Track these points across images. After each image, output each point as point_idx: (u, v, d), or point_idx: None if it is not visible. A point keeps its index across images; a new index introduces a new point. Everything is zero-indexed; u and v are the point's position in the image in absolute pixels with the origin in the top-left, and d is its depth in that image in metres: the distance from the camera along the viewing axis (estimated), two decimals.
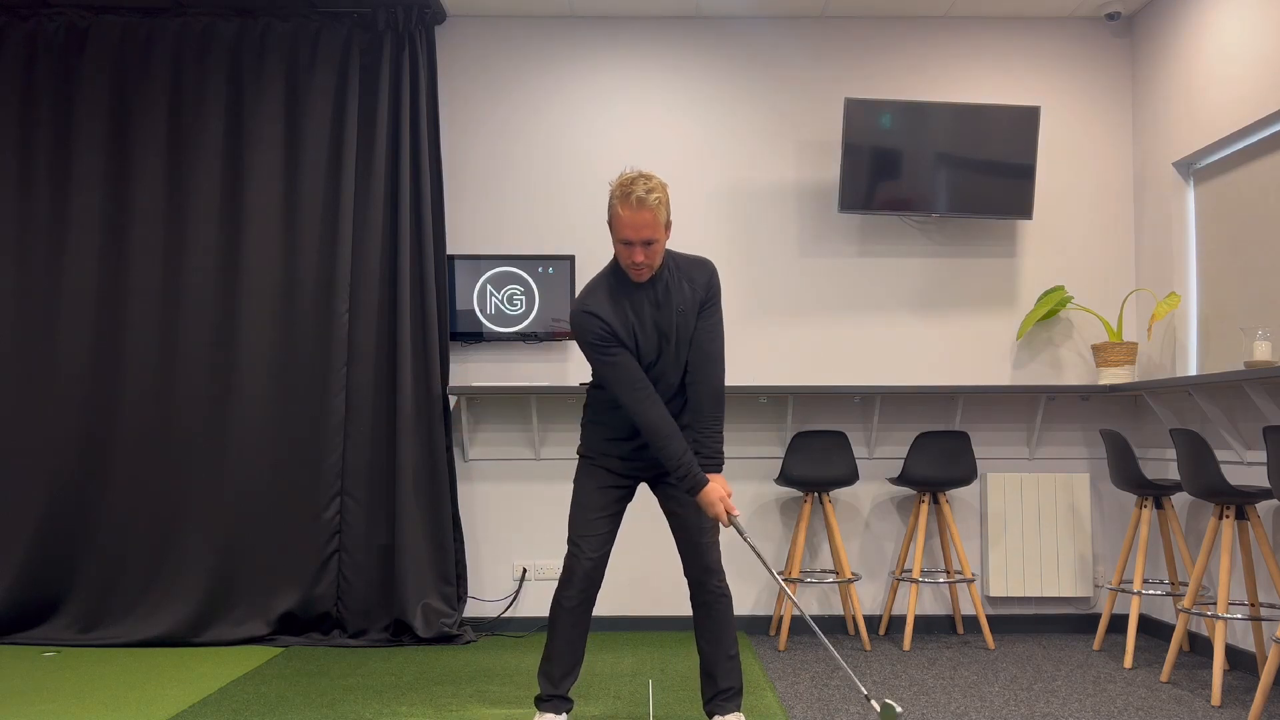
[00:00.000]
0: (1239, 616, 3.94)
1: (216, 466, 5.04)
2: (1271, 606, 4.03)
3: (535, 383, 5.31)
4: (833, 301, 5.40)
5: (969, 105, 5.17)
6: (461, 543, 5.14)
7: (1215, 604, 4.25)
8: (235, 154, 5.20)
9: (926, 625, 5.28)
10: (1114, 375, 5.10)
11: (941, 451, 4.90)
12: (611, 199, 3.08)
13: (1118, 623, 5.29)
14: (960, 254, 5.42)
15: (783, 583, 3.47)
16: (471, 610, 5.28)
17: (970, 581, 4.89)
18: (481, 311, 5.27)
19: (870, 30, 5.48)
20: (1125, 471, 4.53)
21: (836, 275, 5.40)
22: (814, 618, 5.29)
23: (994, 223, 5.42)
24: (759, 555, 3.25)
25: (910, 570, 5.25)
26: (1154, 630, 5.15)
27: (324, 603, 4.98)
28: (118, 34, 5.21)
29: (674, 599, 5.28)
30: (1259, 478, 4.33)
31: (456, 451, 5.31)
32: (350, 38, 5.22)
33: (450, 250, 5.34)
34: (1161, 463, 5.14)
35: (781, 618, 4.96)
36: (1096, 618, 5.29)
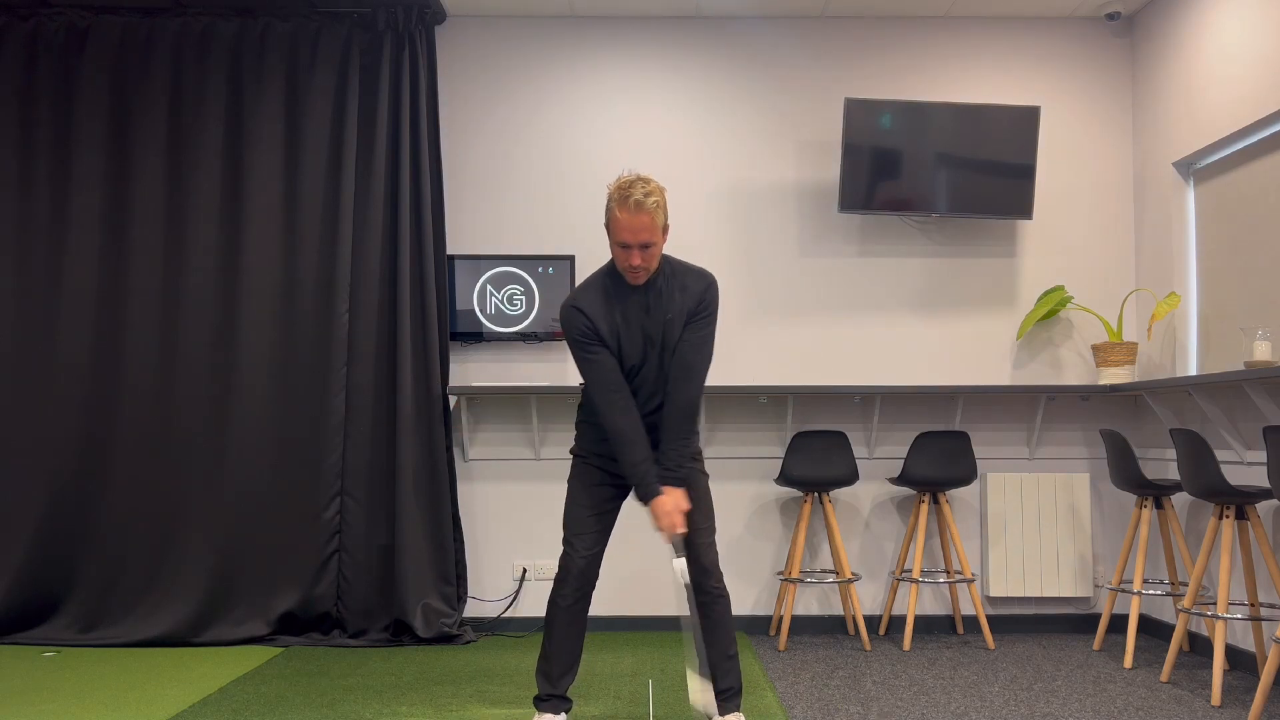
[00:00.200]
0: (1239, 616, 3.94)
1: (216, 466, 5.04)
2: (1271, 606, 4.03)
3: (535, 383, 5.31)
4: (833, 301, 5.40)
5: (969, 105, 5.17)
6: (461, 543, 5.14)
7: (1215, 604, 4.25)
8: (235, 154, 5.20)
9: (926, 625, 5.28)
10: (1114, 375, 5.10)
11: (941, 451, 4.90)
12: (609, 202, 3.09)
13: (1118, 623, 5.29)
14: (960, 254, 5.42)
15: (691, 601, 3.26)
16: (471, 610, 5.28)
17: (970, 581, 4.89)
18: (481, 311, 5.27)
19: (870, 30, 5.48)
20: (1125, 471, 4.53)
21: (836, 275, 5.40)
22: (814, 618, 5.29)
23: (994, 223, 5.42)
24: (683, 582, 3.17)
25: (910, 570, 5.25)
26: (1154, 630, 5.15)
27: (324, 603, 4.98)
28: (118, 34, 5.21)
29: (674, 600, 5.28)
30: (1259, 478, 4.33)
31: (456, 451, 5.31)
32: (350, 38, 5.22)
33: (450, 250, 5.34)
34: (1161, 463, 5.13)
35: (781, 618, 4.96)
36: (1096, 618, 5.29)
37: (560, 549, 3.49)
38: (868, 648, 4.83)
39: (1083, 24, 5.48)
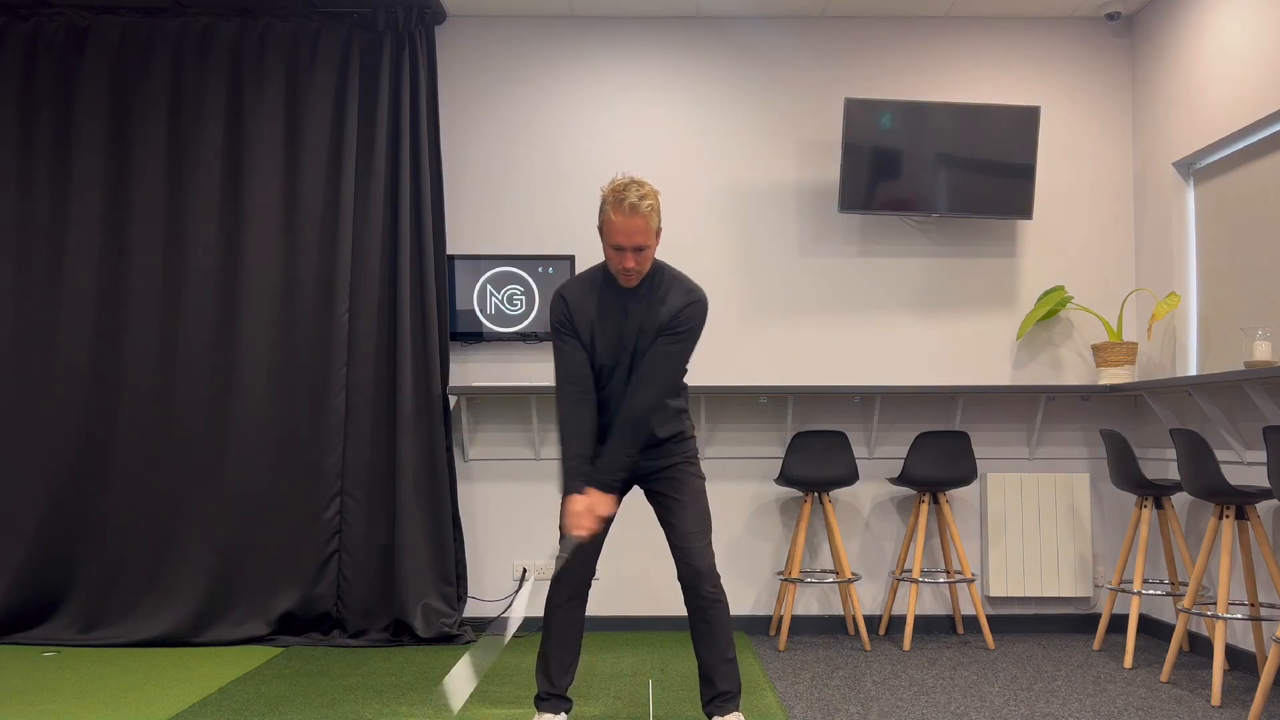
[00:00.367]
0: (1239, 616, 3.94)
1: (216, 466, 5.04)
2: (1271, 606, 4.03)
3: (535, 383, 5.31)
4: (833, 301, 5.40)
5: (969, 105, 5.17)
6: (461, 543, 5.14)
7: (1215, 604, 4.25)
8: (235, 154, 5.20)
9: (926, 625, 5.28)
10: (1114, 375, 5.10)
11: (941, 451, 4.90)
12: (604, 204, 3.11)
13: (1118, 623, 5.29)
14: (960, 254, 5.42)
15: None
16: (471, 610, 5.28)
17: (970, 581, 4.89)
18: (481, 311, 5.27)
19: (870, 30, 5.48)
20: (1125, 471, 4.53)
21: (836, 275, 5.40)
22: (814, 618, 5.29)
23: (994, 223, 5.42)
24: (529, 581, 3.12)
25: (910, 570, 5.25)
26: (1154, 630, 5.15)
27: (324, 603, 4.98)
28: (118, 34, 5.21)
29: (674, 599, 5.28)
30: (1259, 478, 4.33)
31: (456, 451, 5.31)
32: (350, 38, 5.22)
33: (450, 250, 5.34)
34: (1161, 463, 5.13)
35: (781, 618, 4.96)
36: (1096, 618, 5.29)
37: None
38: (868, 648, 4.83)
39: (1083, 24, 5.48)
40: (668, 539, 3.30)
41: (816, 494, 4.99)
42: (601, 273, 3.26)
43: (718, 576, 3.24)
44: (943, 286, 5.41)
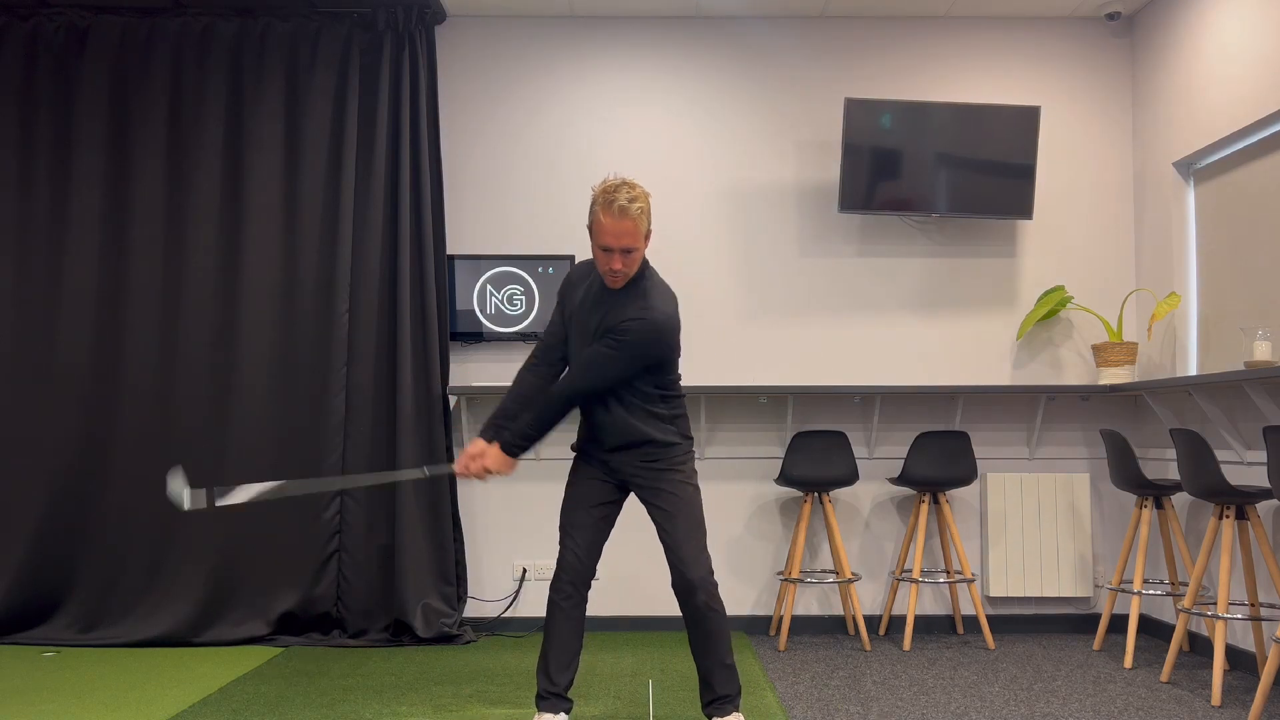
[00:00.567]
0: (1239, 616, 3.94)
1: (216, 466, 5.04)
2: (1271, 606, 4.03)
3: None
4: (833, 301, 5.40)
5: (969, 105, 5.17)
6: (461, 543, 5.14)
7: (1215, 604, 4.25)
8: (235, 154, 5.20)
9: (926, 625, 5.28)
10: (1114, 375, 5.10)
11: (941, 451, 4.90)
12: (594, 205, 3.12)
13: (1118, 623, 5.29)
14: (960, 254, 5.42)
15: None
16: (471, 610, 5.28)
17: (970, 581, 4.89)
18: (481, 311, 5.27)
19: (870, 30, 5.47)
20: (1125, 471, 4.53)
21: (836, 275, 5.40)
22: (814, 618, 5.29)
23: (994, 223, 5.42)
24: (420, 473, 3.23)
25: (910, 570, 5.25)
26: (1154, 630, 5.15)
27: (324, 603, 4.98)
28: (118, 34, 5.21)
29: (674, 599, 5.28)
30: (1259, 478, 4.33)
31: (456, 451, 5.30)
32: (350, 38, 5.22)
33: (450, 250, 5.34)
34: (1161, 463, 5.13)
35: (781, 618, 4.96)
36: (1096, 618, 5.29)
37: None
38: (868, 648, 4.83)
39: (1083, 24, 5.48)
40: (662, 547, 3.30)
41: (816, 494, 4.99)
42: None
43: (713, 585, 3.21)
44: (942, 286, 5.41)
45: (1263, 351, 4.14)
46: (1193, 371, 5.00)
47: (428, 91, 5.21)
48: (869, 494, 5.34)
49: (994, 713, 3.70)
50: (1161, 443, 5.13)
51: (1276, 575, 3.90)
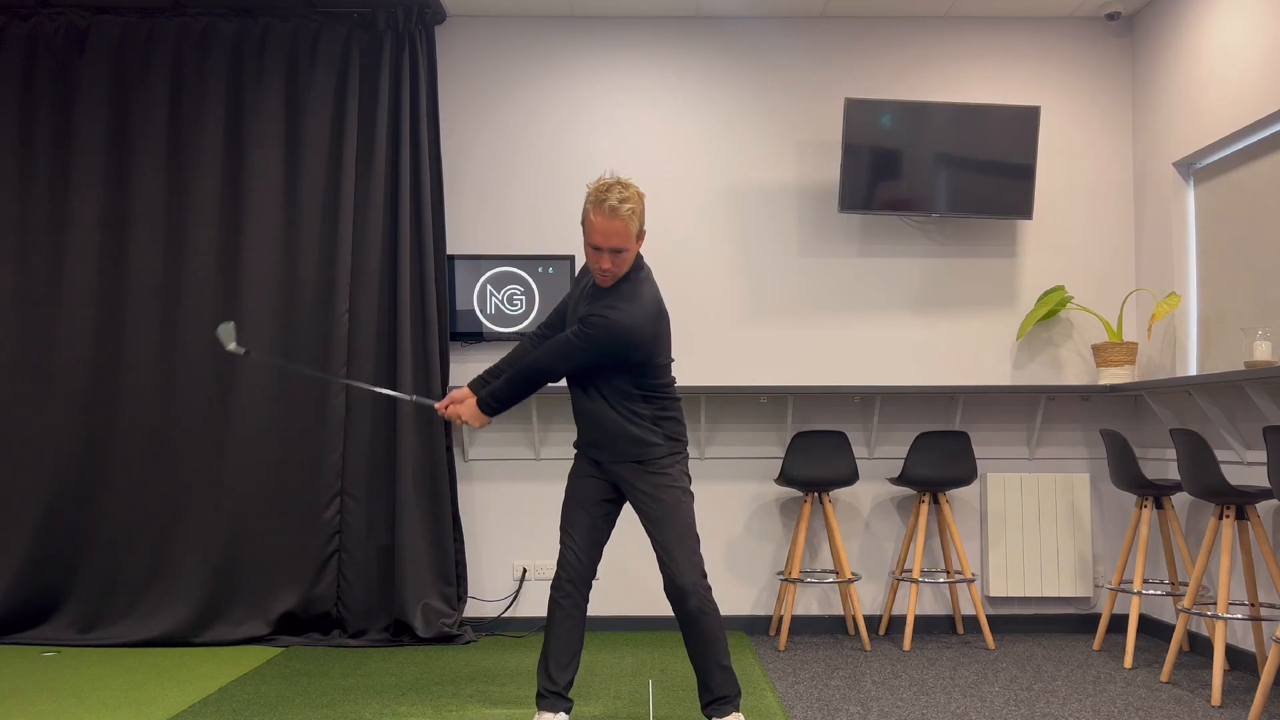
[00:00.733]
0: (1239, 616, 3.94)
1: (216, 466, 5.04)
2: (1271, 606, 4.03)
3: None
4: (833, 301, 5.40)
5: (969, 105, 5.17)
6: (461, 543, 5.14)
7: (1215, 604, 4.26)
8: (235, 154, 5.20)
9: (926, 625, 5.28)
10: (1114, 375, 5.10)
11: (941, 451, 4.90)
12: (586, 202, 3.14)
13: (1118, 623, 5.29)
14: (960, 254, 5.42)
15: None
16: (471, 610, 5.28)
17: (970, 581, 4.89)
18: (481, 311, 5.27)
19: (870, 30, 5.48)
20: (1125, 471, 4.53)
21: (837, 275, 5.40)
22: (814, 618, 5.29)
23: (994, 223, 5.42)
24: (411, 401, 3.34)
25: (910, 570, 5.25)
26: (1154, 630, 5.15)
27: (324, 603, 4.98)
28: (118, 34, 5.21)
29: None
30: (1259, 478, 4.33)
31: (456, 451, 5.31)
32: (350, 38, 5.22)
33: (450, 250, 5.34)
34: (1161, 463, 5.13)
35: (781, 618, 4.96)
36: (1096, 618, 5.29)
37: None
38: (868, 648, 4.83)
39: (1083, 24, 5.48)
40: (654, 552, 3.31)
41: (816, 494, 4.99)
42: None
43: (705, 588, 3.20)
44: (943, 286, 5.41)
45: (1263, 351, 4.14)
46: (1193, 371, 5.00)
47: (428, 91, 5.21)
48: (869, 494, 5.34)
49: (994, 713, 3.70)
50: (1161, 443, 5.13)
51: (1276, 575, 3.90)
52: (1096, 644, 4.85)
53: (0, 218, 5.14)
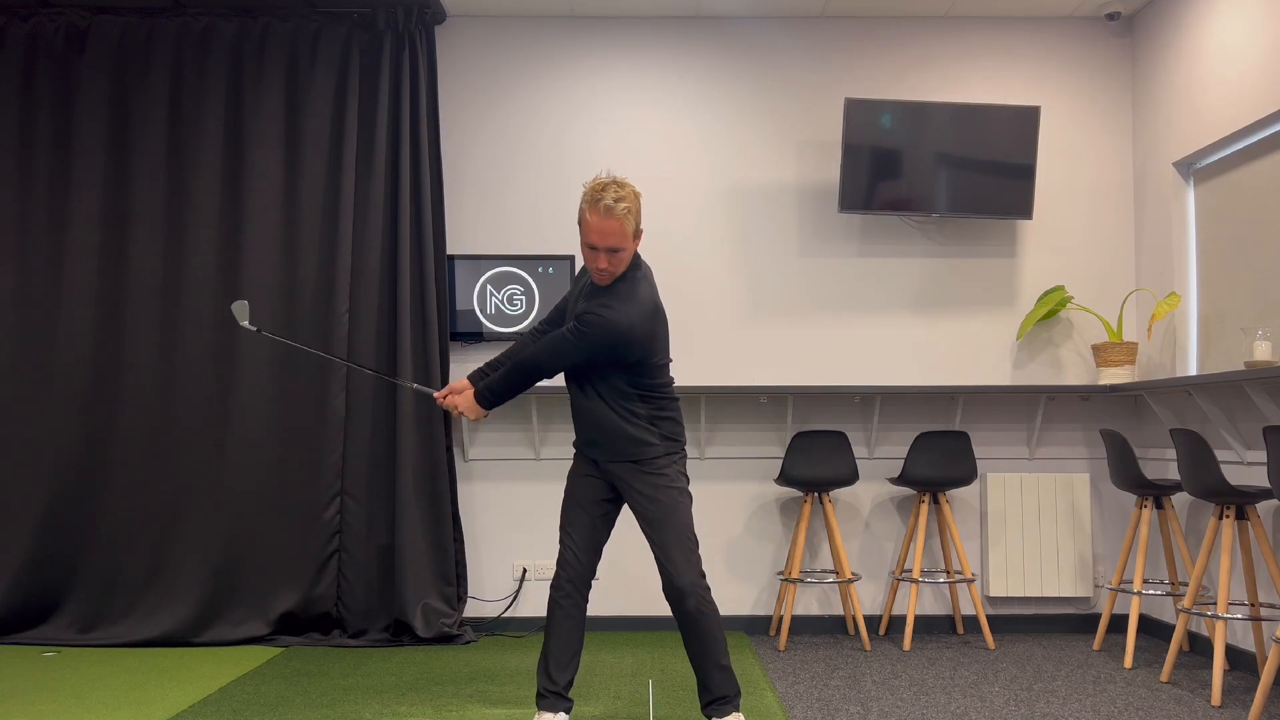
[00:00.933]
0: (1239, 616, 3.94)
1: (216, 466, 5.04)
2: (1271, 606, 4.03)
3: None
4: (833, 301, 5.40)
5: (969, 105, 5.17)
6: (461, 543, 5.14)
7: (1215, 604, 4.25)
8: (235, 154, 5.20)
9: (926, 625, 5.28)
10: (1114, 375, 5.10)
11: (941, 451, 4.90)
12: (582, 201, 3.15)
13: (1118, 623, 5.29)
14: (960, 254, 5.42)
15: None
16: (471, 610, 5.28)
17: (970, 581, 4.89)
18: (481, 311, 5.27)
19: (870, 30, 5.48)
20: (1125, 471, 4.53)
21: (836, 275, 5.40)
22: (814, 618, 5.29)
23: (994, 223, 5.42)
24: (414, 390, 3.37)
25: (910, 570, 5.25)
26: (1154, 630, 5.15)
27: (324, 603, 4.98)
28: (118, 34, 5.21)
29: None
30: (1259, 478, 4.33)
31: (456, 451, 5.31)
32: (350, 38, 5.22)
33: (450, 250, 5.34)
34: (1161, 463, 5.13)
35: (781, 618, 4.96)
36: (1096, 618, 5.29)
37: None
38: (868, 648, 4.83)
39: (1083, 24, 5.48)
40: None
41: (816, 494, 4.99)
42: None
43: (704, 589, 3.20)
44: (943, 287, 5.41)
45: (1263, 351, 4.14)
46: (1193, 371, 5.00)
47: (428, 91, 5.21)
48: (869, 494, 5.34)
49: (994, 713, 3.70)
50: (1161, 443, 5.13)
51: (1276, 575, 3.90)
52: (1096, 644, 4.85)
53: (0, 218, 5.14)
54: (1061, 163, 5.44)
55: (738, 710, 3.28)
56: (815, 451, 4.88)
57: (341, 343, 5.06)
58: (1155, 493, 4.51)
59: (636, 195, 3.14)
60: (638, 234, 3.18)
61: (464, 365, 5.33)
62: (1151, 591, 4.59)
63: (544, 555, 5.30)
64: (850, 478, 4.89)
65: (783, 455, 5.22)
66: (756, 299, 5.39)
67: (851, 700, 3.88)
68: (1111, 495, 5.36)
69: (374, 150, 5.15)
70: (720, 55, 5.47)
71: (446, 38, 5.45)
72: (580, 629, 3.33)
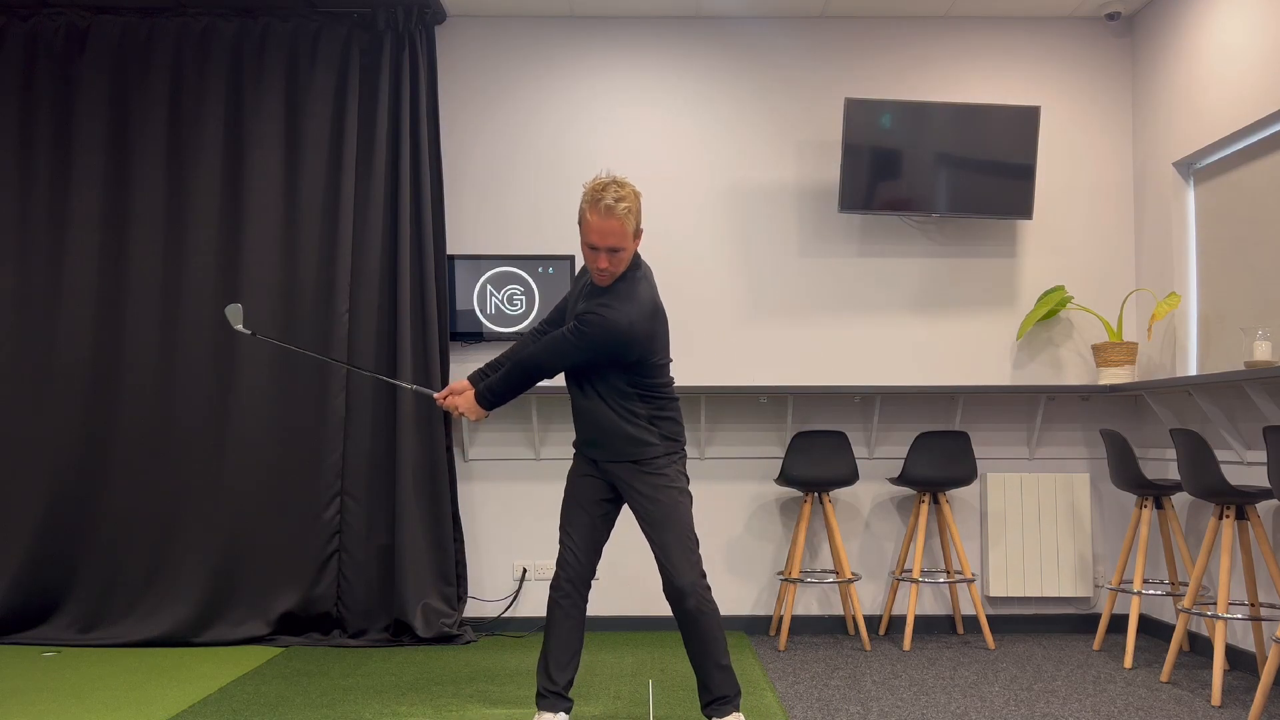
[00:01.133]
0: (1239, 616, 3.94)
1: (216, 466, 5.04)
2: (1271, 606, 4.03)
3: None
4: (833, 301, 5.40)
5: (969, 105, 5.17)
6: (461, 543, 5.14)
7: (1215, 604, 4.25)
8: (235, 154, 5.20)
9: (926, 625, 5.28)
10: (1114, 375, 5.10)
11: (941, 451, 4.90)
12: (582, 201, 3.15)
13: (1118, 623, 5.29)
14: (960, 254, 5.42)
15: None
16: (471, 610, 5.28)
17: (970, 581, 4.89)
18: (481, 311, 5.27)
19: (870, 30, 5.48)
20: (1125, 471, 4.53)
21: (836, 275, 5.40)
22: (814, 618, 5.29)
23: (994, 223, 5.42)
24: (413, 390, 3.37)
25: (910, 570, 5.25)
26: (1154, 630, 5.15)
27: (324, 603, 4.98)
28: (118, 34, 5.21)
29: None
30: (1259, 478, 4.33)
31: (456, 451, 5.31)
32: (350, 38, 5.22)
33: (450, 250, 5.34)
34: (1161, 463, 5.13)
35: (781, 618, 4.96)
36: (1096, 618, 5.29)
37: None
38: (868, 648, 4.83)
39: (1083, 24, 5.48)
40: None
41: (816, 494, 4.99)
42: None
43: (704, 589, 3.20)
44: (943, 287, 5.41)
45: (1263, 351, 4.15)
46: (1193, 371, 5.00)
47: (428, 91, 5.21)
48: (869, 494, 5.34)
49: (994, 713, 3.70)
50: (1161, 443, 5.13)
51: (1276, 575, 3.90)
52: (1096, 644, 4.85)
53: (0, 218, 5.14)
54: (1061, 163, 5.44)
55: (738, 710, 3.28)
56: (815, 451, 4.88)
57: (341, 343, 5.06)
58: (1155, 493, 4.51)
59: (637, 195, 3.15)
60: (638, 234, 3.19)
61: (464, 365, 5.34)
62: (1151, 591, 4.59)
63: (544, 555, 5.30)
64: (850, 478, 4.89)
65: (783, 455, 5.22)
66: (756, 299, 5.39)
67: (851, 700, 3.88)
68: (1111, 495, 5.36)
69: (374, 150, 5.15)
70: (720, 55, 5.47)
71: (446, 38, 5.45)
72: (580, 629, 3.33)
